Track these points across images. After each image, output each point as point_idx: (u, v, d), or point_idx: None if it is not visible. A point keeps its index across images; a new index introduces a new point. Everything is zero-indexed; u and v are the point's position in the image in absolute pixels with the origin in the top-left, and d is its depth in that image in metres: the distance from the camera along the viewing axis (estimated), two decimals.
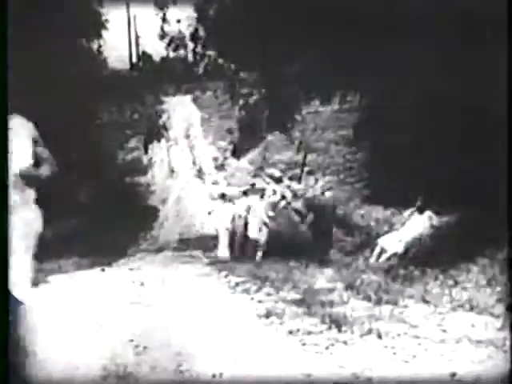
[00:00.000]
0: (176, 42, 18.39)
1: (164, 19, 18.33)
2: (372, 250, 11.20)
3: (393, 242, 10.84)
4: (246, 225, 12.84)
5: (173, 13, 18.51)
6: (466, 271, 8.51)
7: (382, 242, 11.00)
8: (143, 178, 20.55)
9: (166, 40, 18.53)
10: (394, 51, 11.37)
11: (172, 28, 18.42)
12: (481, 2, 9.71)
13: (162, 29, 18.44)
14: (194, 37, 17.76)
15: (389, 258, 10.69)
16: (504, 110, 3.97)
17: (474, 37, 10.09)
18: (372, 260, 10.96)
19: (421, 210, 10.94)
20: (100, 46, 19.04)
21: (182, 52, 19.62)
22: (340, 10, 12.11)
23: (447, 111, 11.16)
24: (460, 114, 10.82)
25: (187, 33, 17.93)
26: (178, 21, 18.36)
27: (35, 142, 4.02)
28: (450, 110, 11.04)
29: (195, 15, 17.36)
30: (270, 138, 19.22)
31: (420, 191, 11.21)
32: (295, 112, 17.46)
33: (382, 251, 10.83)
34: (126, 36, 23.72)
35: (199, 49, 18.31)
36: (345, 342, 5.06)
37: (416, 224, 10.91)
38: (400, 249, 10.69)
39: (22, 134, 3.95)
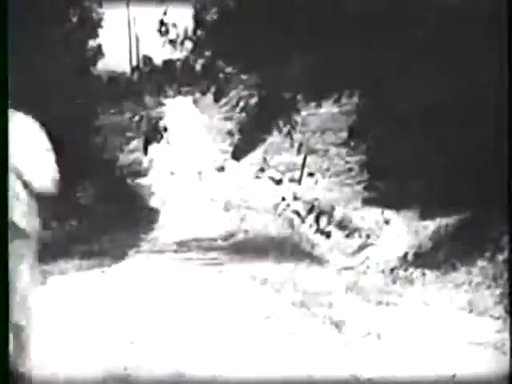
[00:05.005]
0: (175, 41, 18.35)
1: (163, 21, 18.30)
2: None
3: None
4: None
5: (172, 12, 18.49)
6: (466, 273, 8.51)
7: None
8: (144, 179, 20.59)
9: (166, 38, 18.48)
10: (394, 52, 11.40)
11: (171, 26, 18.35)
12: (481, 2, 9.74)
13: (161, 25, 18.37)
14: (194, 37, 17.77)
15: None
16: (504, 110, 3.98)
17: (473, 36, 10.10)
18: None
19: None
20: (100, 49, 19.07)
21: (181, 54, 19.60)
22: (339, 10, 12.14)
23: (447, 111, 11.18)
24: (460, 114, 10.84)
25: (187, 29, 17.88)
26: (175, 23, 18.30)
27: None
28: (450, 109, 11.06)
29: (195, 15, 17.37)
30: (270, 139, 19.23)
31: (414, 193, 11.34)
32: (295, 114, 17.47)
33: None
34: (127, 38, 23.79)
35: (199, 50, 18.32)
36: (345, 344, 5.06)
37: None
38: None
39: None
